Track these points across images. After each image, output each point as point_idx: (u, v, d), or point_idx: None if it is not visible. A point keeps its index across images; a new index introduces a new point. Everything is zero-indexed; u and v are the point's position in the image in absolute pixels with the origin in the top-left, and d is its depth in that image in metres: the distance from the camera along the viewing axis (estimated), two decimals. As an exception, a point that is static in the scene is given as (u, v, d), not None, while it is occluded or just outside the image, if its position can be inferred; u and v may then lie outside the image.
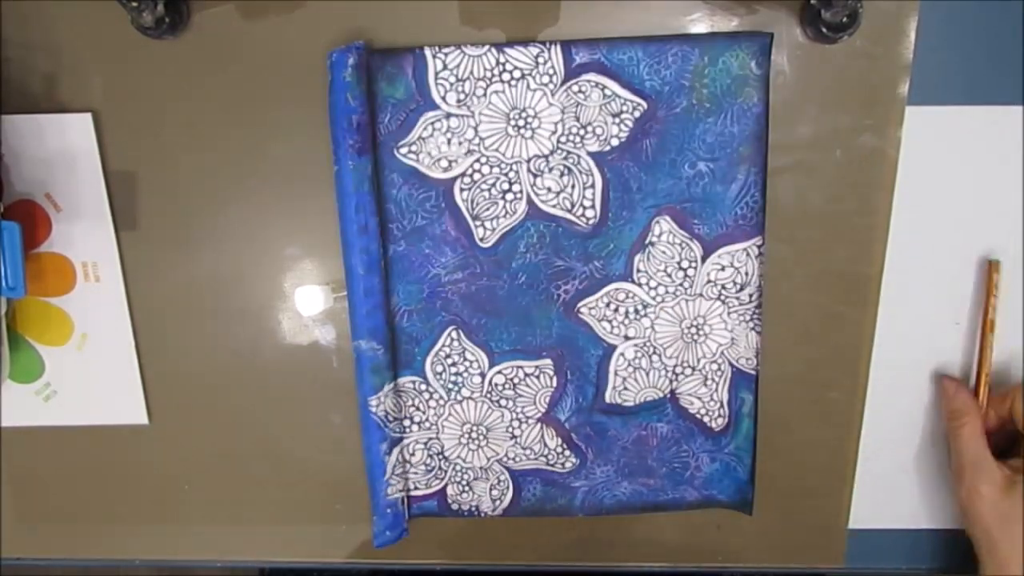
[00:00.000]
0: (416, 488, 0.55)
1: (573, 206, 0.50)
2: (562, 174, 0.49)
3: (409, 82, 0.48)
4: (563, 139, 0.49)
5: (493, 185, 0.50)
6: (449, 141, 0.49)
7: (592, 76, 0.48)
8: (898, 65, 0.48)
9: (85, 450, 0.56)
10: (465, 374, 0.53)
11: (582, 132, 0.49)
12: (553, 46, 0.48)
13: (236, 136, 0.50)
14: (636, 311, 0.51)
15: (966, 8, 0.47)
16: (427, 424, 0.54)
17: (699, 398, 0.53)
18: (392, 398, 0.52)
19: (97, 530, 0.58)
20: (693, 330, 0.52)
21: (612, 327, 0.52)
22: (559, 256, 0.51)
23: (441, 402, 0.53)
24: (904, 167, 0.49)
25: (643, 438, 0.53)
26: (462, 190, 0.50)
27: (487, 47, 0.48)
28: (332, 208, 0.50)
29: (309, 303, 0.53)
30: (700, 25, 0.48)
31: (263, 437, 0.55)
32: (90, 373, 0.54)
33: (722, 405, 0.53)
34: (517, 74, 0.48)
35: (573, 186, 0.50)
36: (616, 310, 0.51)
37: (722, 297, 0.51)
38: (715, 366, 0.52)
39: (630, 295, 0.51)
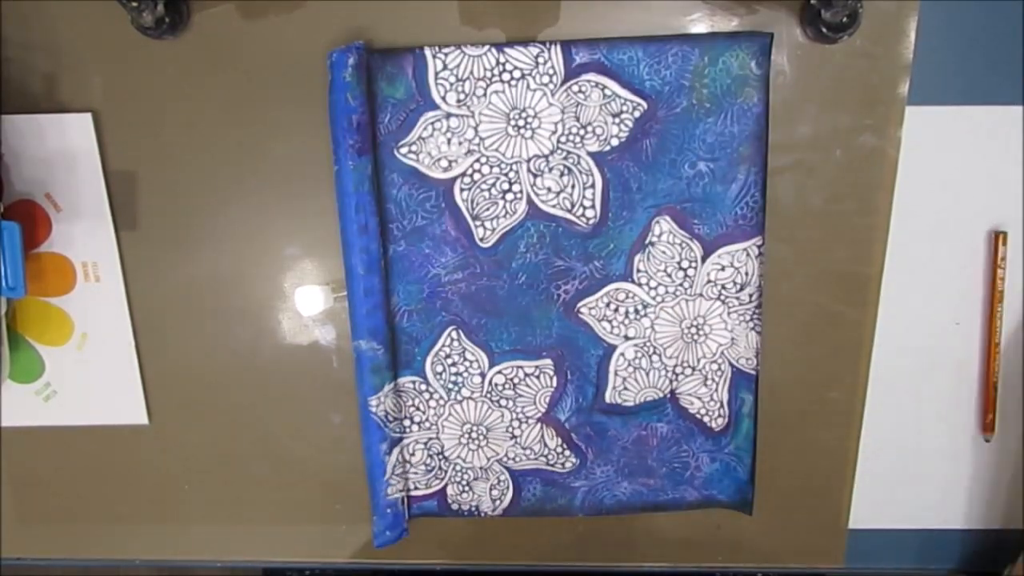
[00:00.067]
0: (416, 488, 0.55)
1: (573, 206, 0.50)
2: (562, 174, 0.49)
3: (409, 82, 0.48)
4: (563, 139, 0.49)
5: (493, 185, 0.50)
6: (449, 141, 0.49)
7: (592, 76, 0.48)
8: (898, 65, 0.48)
9: (85, 450, 0.56)
10: (465, 374, 0.53)
11: (582, 132, 0.49)
12: (553, 46, 0.48)
13: (236, 136, 0.50)
14: (636, 311, 0.51)
15: (966, 8, 0.47)
16: (427, 424, 0.54)
17: (699, 398, 0.53)
18: (392, 398, 0.52)
19: (97, 530, 0.58)
20: (693, 330, 0.52)
21: (612, 327, 0.52)
22: (559, 256, 0.51)
23: (441, 402, 0.53)
24: (904, 167, 0.49)
25: (643, 438, 0.53)
26: (462, 190, 0.50)
27: (487, 47, 0.48)
28: (332, 208, 0.50)
29: (309, 303, 0.53)
30: (700, 25, 0.48)
31: (263, 437, 0.55)
32: (90, 373, 0.54)
33: (722, 405, 0.53)
34: (517, 74, 0.48)
35: (573, 186, 0.50)
36: (616, 310, 0.51)
37: (722, 297, 0.51)
38: (715, 366, 0.52)
39: (630, 295, 0.51)
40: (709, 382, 0.52)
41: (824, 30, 0.46)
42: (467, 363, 0.53)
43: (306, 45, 0.48)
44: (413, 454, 0.54)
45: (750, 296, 0.51)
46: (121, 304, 0.53)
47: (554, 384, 0.53)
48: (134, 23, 0.48)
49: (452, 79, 0.48)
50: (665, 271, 0.51)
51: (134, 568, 0.59)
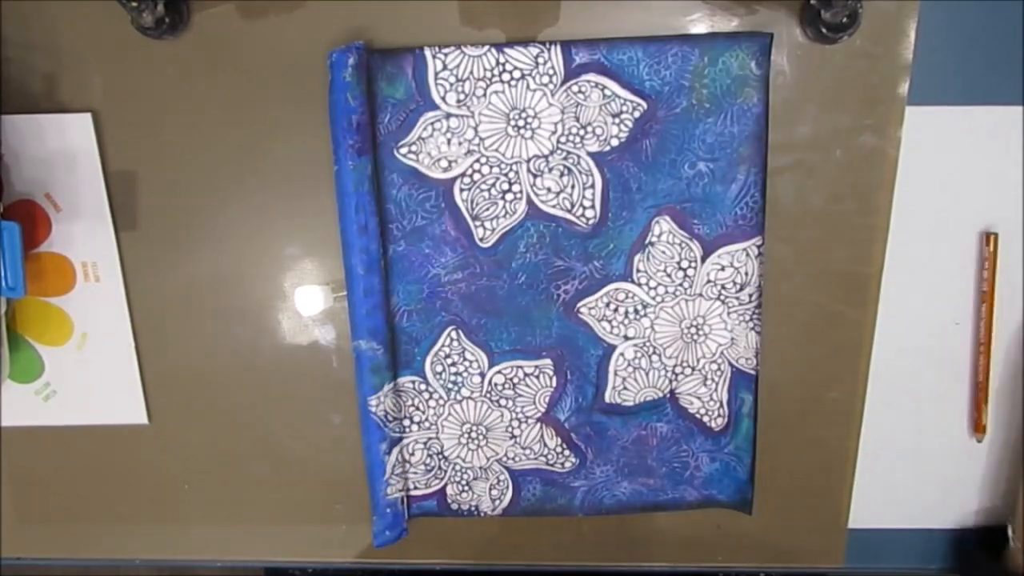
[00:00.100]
0: (416, 488, 0.55)
1: (573, 206, 0.50)
2: (562, 174, 0.49)
3: (409, 82, 0.48)
4: (563, 139, 0.49)
5: (493, 185, 0.50)
6: (449, 141, 0.49)
7: (592, 76, 0.48)
8: (898, 65, 0.48)
9: (85, 450, 0.56)
10: (465, 374, 0.53)
11: (582, 132, 0.49)
12: (553, 46, 0.48)
13: (236, 136, 0.50)
14: (636, 311, 0.51)
15: (966, 8, 0.47)
16: (427, 424, 0.54)
17: (699, 398, 0.53)
18: (392, 398, 0.52)
19: (97, 530, 0.58)
20: (693, 330, 0.52)
21: (612, 327, 0.52)
22: (559, 256, 0.51)
23: (441, 402, 0.53)
24: (904, 167, 0.49)
25: (643, 438, 0.53)
26: (462, 190, 0.50)
27: (487, 47, 0.48)
28: (332, 208, 0.50)
29: (309, 303, 0.53)
30: (700, 25, 0.48)
31: (263, 437, 0.55)
32: (90, 373, 0.54)
33: (722, 405, 0.53)
34: (517, 74, 0.48)
35: (573, 186, 0.50)
36: (616, 310, 0.51)
37: (722, 297, 0.51)
38: (715, 366, 0.52)
39: (630, 295, 0.51)
40: (709, 382, 0.52)
41: (824, 30, 0.46)
42: (467, 363, 0.53)
43: (306, 45, 0.48)
44: (413, 454, 0.54)
45: (750, 296, 0.51)
46: (121, 304, 0.53)
47: (554, 384, 0.53)
48: (134, 23, 0.48)
49: (452, 79, 0.48)
50: (665, 271, 0.51)
51: (134, 568, 0.59)
